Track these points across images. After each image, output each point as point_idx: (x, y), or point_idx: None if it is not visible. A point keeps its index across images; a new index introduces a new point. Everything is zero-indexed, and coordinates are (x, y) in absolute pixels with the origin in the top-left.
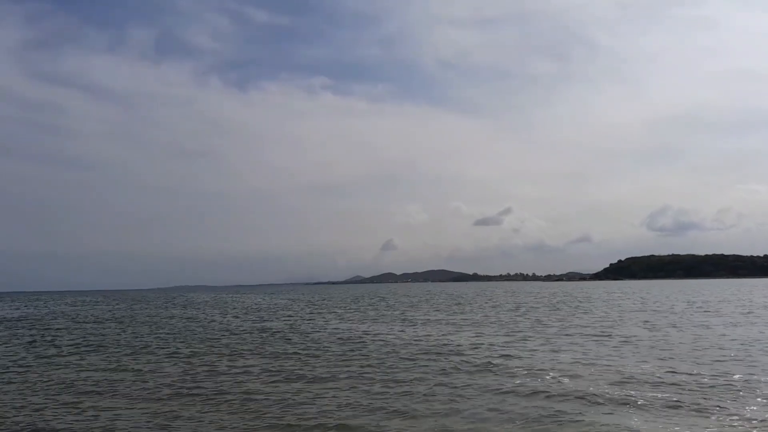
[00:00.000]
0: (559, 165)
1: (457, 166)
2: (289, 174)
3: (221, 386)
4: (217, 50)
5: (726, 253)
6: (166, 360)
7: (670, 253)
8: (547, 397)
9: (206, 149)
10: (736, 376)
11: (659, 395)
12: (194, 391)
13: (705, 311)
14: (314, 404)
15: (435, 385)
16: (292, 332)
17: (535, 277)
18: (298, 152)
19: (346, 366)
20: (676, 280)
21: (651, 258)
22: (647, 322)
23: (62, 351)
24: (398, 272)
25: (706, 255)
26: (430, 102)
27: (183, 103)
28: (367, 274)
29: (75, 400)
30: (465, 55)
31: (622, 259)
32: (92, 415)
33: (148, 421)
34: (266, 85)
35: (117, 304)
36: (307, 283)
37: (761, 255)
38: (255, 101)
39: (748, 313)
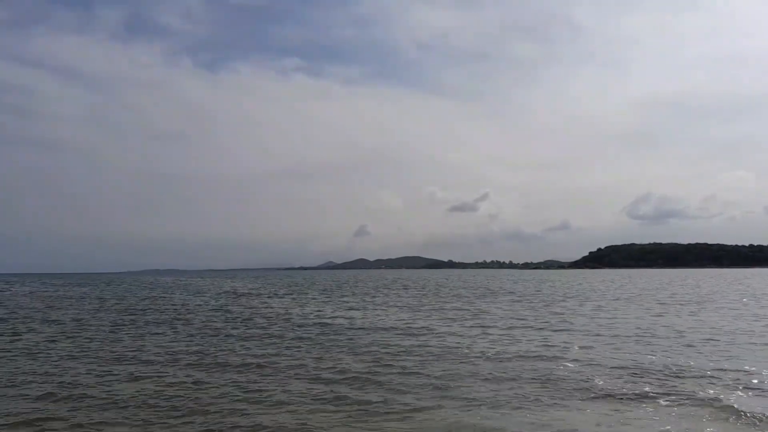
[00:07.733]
0: (538, 150)
1: (432, 150)
2: (261, 158)
3: None
4: (188, 31)
5: (710, 242)
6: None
7: (652, 242)
8: None
9: (177, 132)
10: None
11: None
12: None
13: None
14: None
15: None
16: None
17: (511, 265)
18: (269, 135)
19: None
20: (657, 270)
21: (631, 246)
22: None
23: None
24: (371, 258)
25: (689, 244)
26: (406, 84)
27: (153, 85)
28: (340, 260)
29: None
30: (443, 37)
31: (602, 247)
32: None
33: None
34: (237, 66)
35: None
36: (278, 269)
37: (746, 245)
38: (226, 83)
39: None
